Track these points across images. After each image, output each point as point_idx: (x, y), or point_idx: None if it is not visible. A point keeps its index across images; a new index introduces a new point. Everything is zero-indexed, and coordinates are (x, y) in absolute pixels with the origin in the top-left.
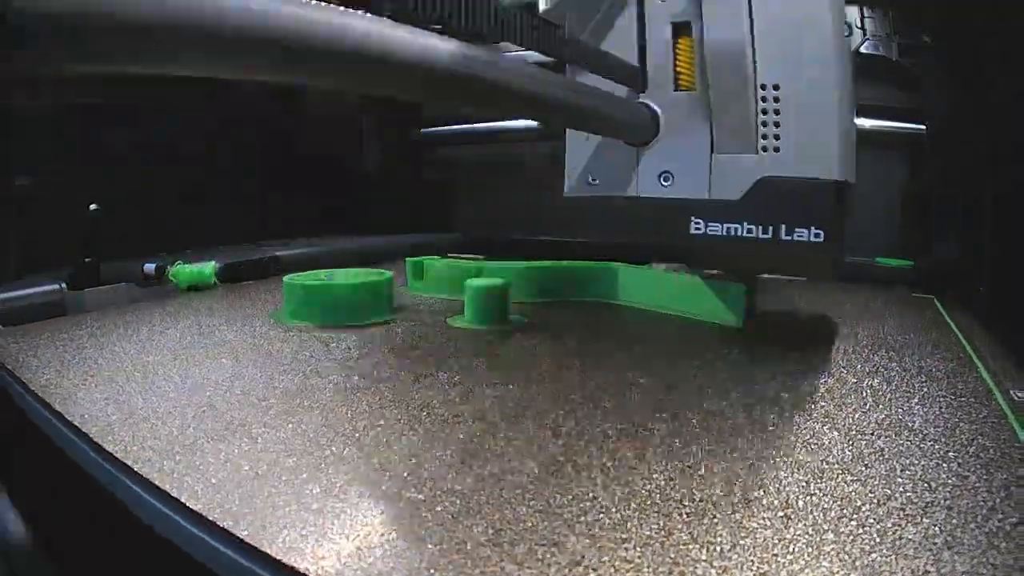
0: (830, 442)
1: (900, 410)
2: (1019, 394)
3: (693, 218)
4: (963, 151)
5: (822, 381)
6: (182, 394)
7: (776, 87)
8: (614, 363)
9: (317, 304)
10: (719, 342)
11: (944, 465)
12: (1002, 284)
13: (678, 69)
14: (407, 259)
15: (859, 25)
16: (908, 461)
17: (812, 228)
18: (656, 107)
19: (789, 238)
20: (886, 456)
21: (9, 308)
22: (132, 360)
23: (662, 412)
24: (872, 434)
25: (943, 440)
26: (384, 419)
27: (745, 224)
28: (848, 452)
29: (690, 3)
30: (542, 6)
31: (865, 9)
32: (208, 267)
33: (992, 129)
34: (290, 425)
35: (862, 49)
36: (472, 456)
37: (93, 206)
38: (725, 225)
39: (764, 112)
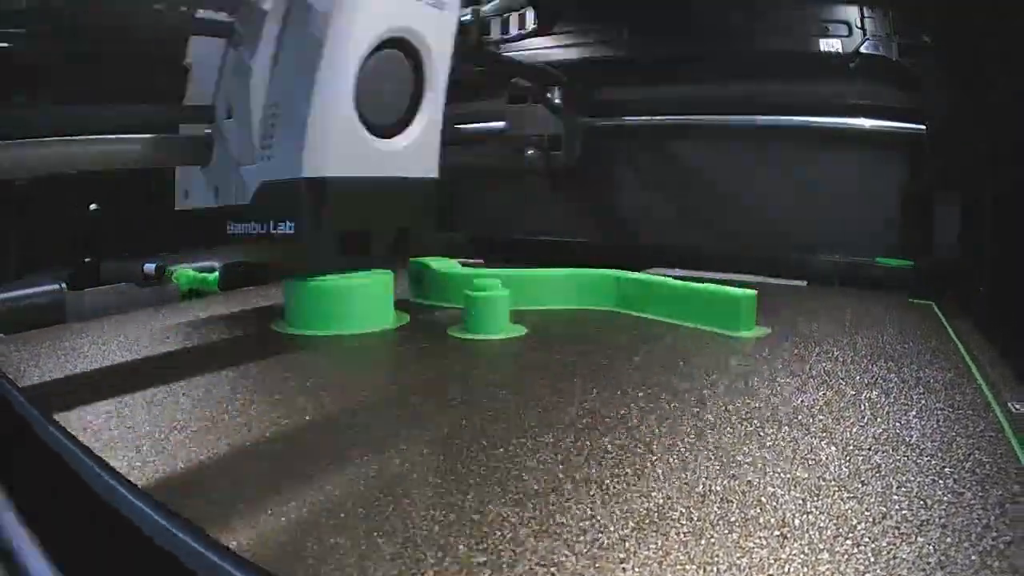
0: (827, 458)
1: (898, 424)
2: (1017, 406)
3: (230, 222)
4: (963, 151)
5: (821, 394)
6: (186, 409)
7: (276, 104)
8: (614, 374)
9: (316, 311)
10: (720, 353)
11: (940, 482)
12: (1002, 284)
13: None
14: (410, 261)
15: (859, 25)
16: (904, 478)
17: (287, 221)
18: (213, 135)
19: (275, 231)
20: (882, 473)
21: (9, 308)
22: (134, 371)
23: (660, 427)
24: (869, 449)
25: (939, 455)
26: (384, 434)
27: (252, 223)
28: (845, 468)
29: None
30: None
31: (865, 9)
32: (211, 275)
33: (992, 129)
34: (291, 439)
35: (862, 49)
36: (469, 472)
37: (93, 206)
38: (242, 225)
39: (265, 127)
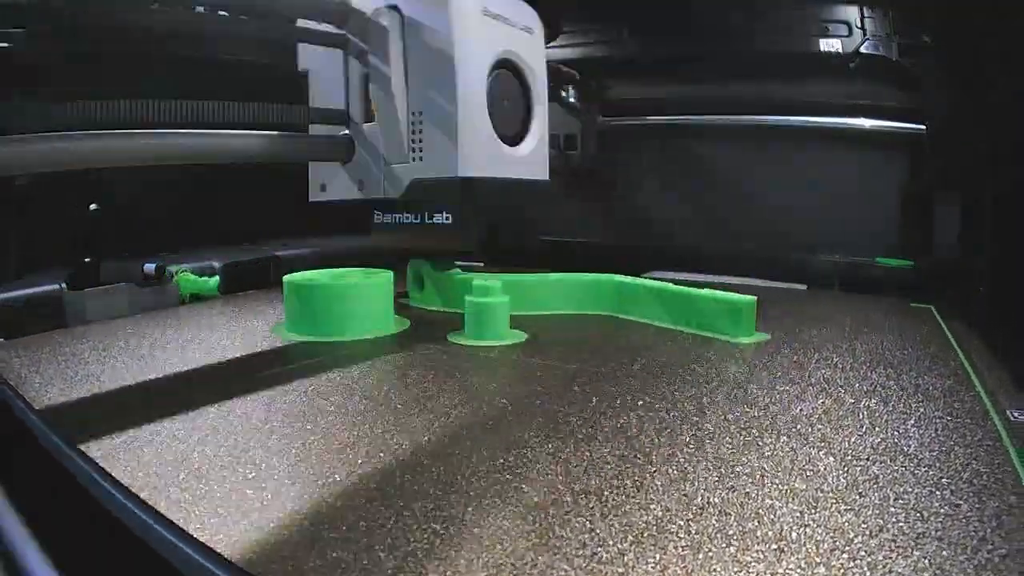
0: (825, 469)
1: (896, 433)
2: (1015, 414)
3: (375, 211)
4: (963, 151)
5: (820, 402)
6: (186, 418)
7: (420, 113)
8: (614, 382)
9: (315, 315)
10: (720, 360)
11: (937, 493)
12: (1002, 284)
13: (367, 107)
14: (409, 263)
15: (859, 25)
16: (902, 489)
17: (444, 212)
18: (352, 135)
19: (431, 221)
20: (880, 484)
21: (9, 308)
22: (135, 379)
23: (660, 437)
24: (867, 459)
25: (937, 465)
26: (385, 446)
27: (404, 213)
28: (843, 479)
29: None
30: None
31: (865, 9)
32: (212, 280)
33: (992, 129)
34: (293, 451)
35: (862, 49)
36: (469, 485)
37: (93, 206)
38: (393, 215)
39: (413, 132)
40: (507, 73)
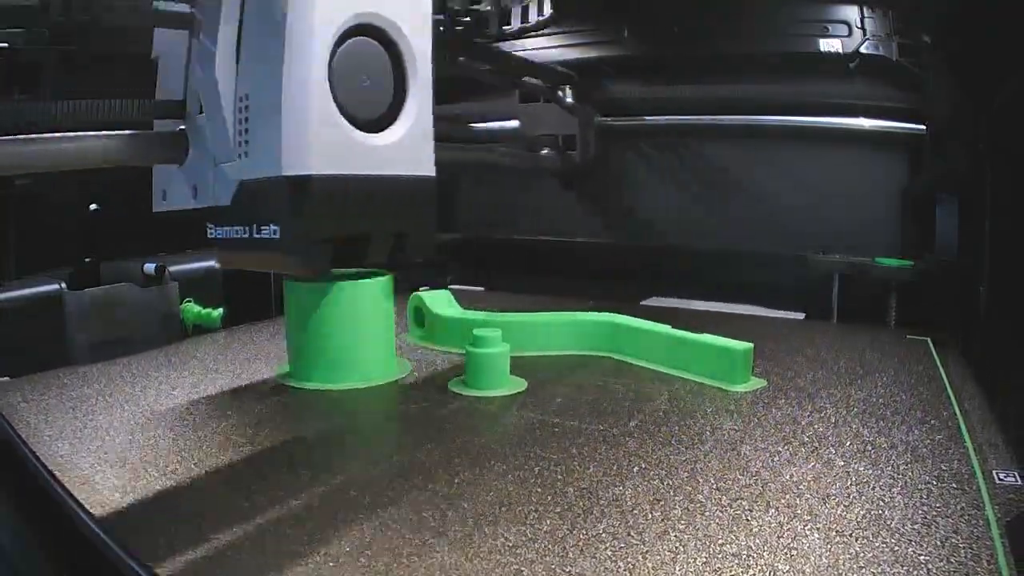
0: (809, 547)
1: (881, 503)
2: (1001, 476)
3: (209, 224)
4: (963, 151)
5: (810, 466)
6: (195, 487)
7: (247, 96)
8: (612, 444)
9: (316, 363)
10: (715, 415)
11: (915, 572)
12: (1001, 284)
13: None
14: (410, 299)
15: (859, 25)
16: (880, 569)
17: (271, 224)
18: (188, 131)
19: (259, 235)
20: (860, 563)
21: (10, 308)
22: (142, 433)
23: (653, 511)
24: (851, 535)
25: (917, 540)
26: (379, 519)
27: (233, 226)
28: (825, 559)
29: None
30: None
31: (865, 9)
32: (216, 311)
33: (992, 129)
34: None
35: (862, 49)
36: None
37: (93, 206)
38: (223, 228)
39: (239, 122)
40: (368, 41)
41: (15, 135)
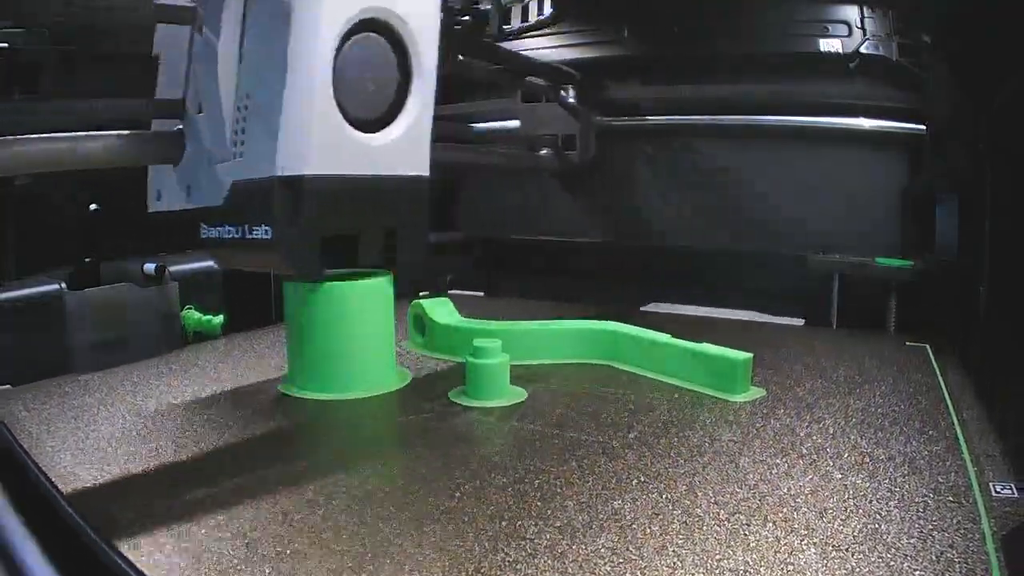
0: (806, 563)
1: (878, 517)
2: (998, 488)
3: (202, 224)
4: (963, 151)
5: (808, 479)
6: (199, 502)
7: (247, 96)
8: (611, 455)
9: (314, 373)
10: (714, 426)
11: None
12: (1001, 286)
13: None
14: (410, 306)
15: (859, 25)
16: None
17: (263, 225)
18: (185, 130)
19: (251, 236)
20: None
21: (9, 307)
22: (144, 445)
23: (652, 525)
24: (847, 550)
25: (913, 556)
26: (381, 534)
27: (226, 226)
28: (821, 575)
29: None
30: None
31: (865, 9)
32: (216, 319)
33: (992, 129)
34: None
35: (862, 49)
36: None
37: (93, 206)
38: (215, 228)
39: (237, 121)
40: (375, 38)
41: (15, 134)
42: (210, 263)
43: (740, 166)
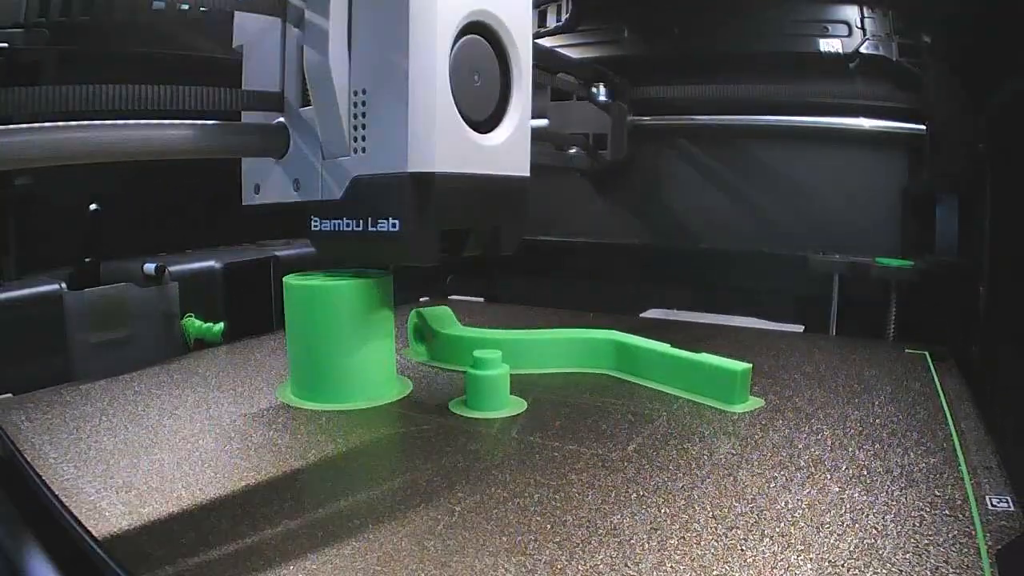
0: None
1: (874, 531)
2: (994, 501)
3: (312, 217)
4: (963, 151)
5: (806, 493)
6: (199, 514)
7: (364, 91)
8: (610, 468)
9: (315, 383)
10: (712, 438)
11: None
12: (1001, 286)
13: (305, 87)
14: (410, 315)
15: (859, 25)
16: None
17: (390, 218)
18: (288, 124)
19: (374, 229)
20: None
21: (9, 307)
22: (147, 456)
23: (650, 540)
24: (843, 566)
25: (908, 571)
26: (383, 549)
27: (344, 219)
28: None
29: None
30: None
31: (865, 9)
32: (217, 326)
33: (992, 129)
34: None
35: (862, 49)
36: None
37: (93, 206)
38: (331, 222)
39: (355, 116)
40: (478, 39)
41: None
42: (210, 263)
43: (739, 166)
